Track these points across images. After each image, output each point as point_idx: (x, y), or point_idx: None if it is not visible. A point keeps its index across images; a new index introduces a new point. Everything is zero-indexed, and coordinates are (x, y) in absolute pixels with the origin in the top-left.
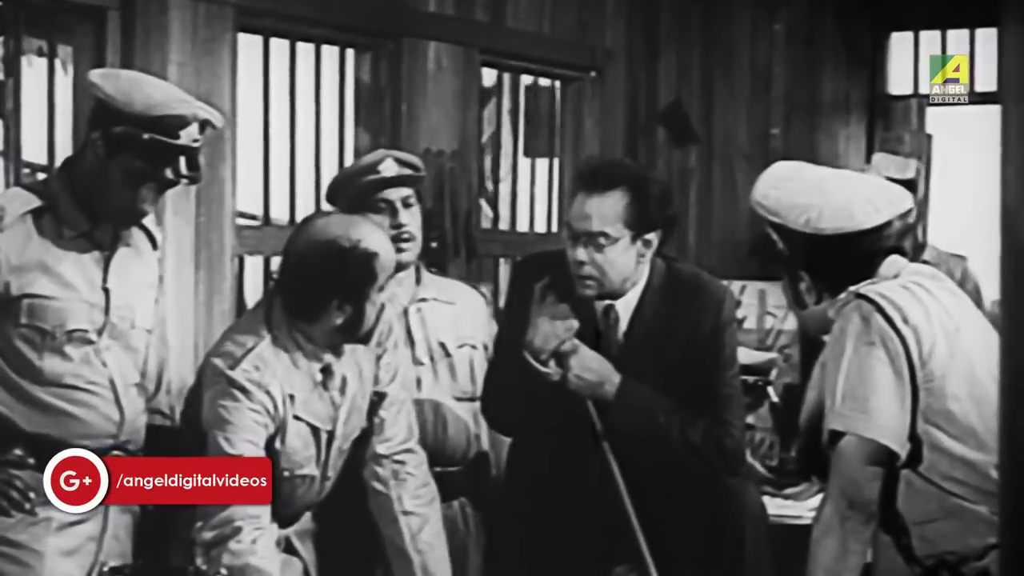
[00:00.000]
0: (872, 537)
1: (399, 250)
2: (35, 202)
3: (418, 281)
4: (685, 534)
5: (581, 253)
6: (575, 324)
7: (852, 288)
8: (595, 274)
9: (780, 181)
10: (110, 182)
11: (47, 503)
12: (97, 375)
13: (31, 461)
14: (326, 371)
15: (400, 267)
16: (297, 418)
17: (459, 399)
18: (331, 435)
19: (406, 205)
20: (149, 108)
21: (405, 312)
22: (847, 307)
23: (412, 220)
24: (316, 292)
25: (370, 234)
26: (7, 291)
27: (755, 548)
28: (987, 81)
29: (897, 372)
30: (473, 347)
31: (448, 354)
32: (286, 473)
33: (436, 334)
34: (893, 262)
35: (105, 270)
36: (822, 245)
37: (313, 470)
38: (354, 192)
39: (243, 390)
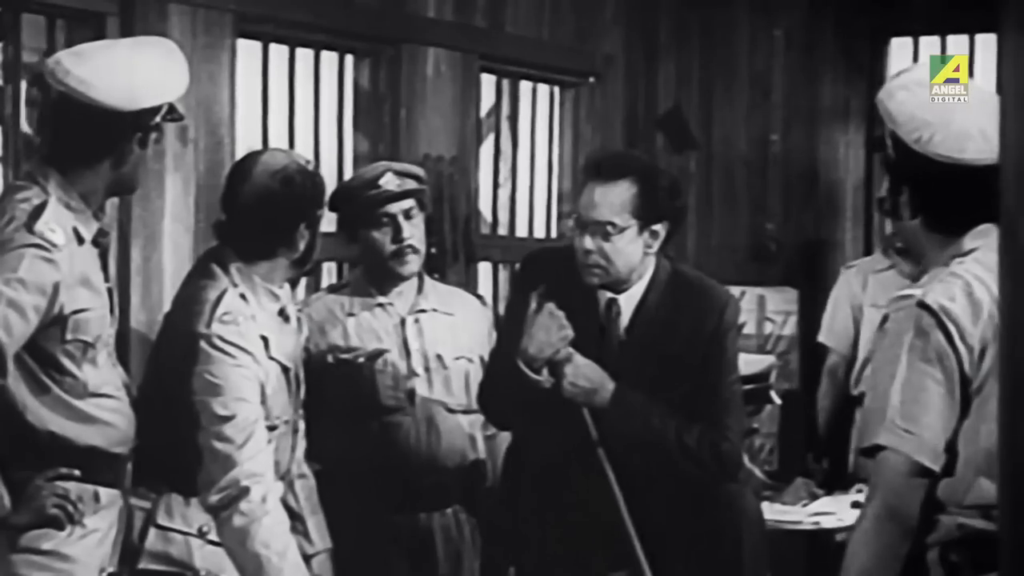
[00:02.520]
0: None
1: (402, 263)
2: (69, 215)
3: (420, 290)
4: (683, 539)
5: (588, 242)
6: (570, 333)
7: (916, 294)
8: (601, 263)
9: (913, 85)
10: (115, 167)
11: (94, 514)
12: (117, 378)
13: (77, 473)
14: (283, 312)
15: (403, 279)
16: (272, 359)
17: (453, 411)
18: (297, 376)
19: (408, 216)
20: (133, 102)
21: (403, 322)
22: (904, 312)
23: (415, 232)
24: (283, 220)
25: (304, 159)
26: (61, 311)
27: (753, 553)
28: (986, 86)
29: (950, 392)
30: (470, 360)
31: (444, 366)
32: (273, 424)
33: (433, 346)
34: (982, 232)
35: (104, 269)
36: (928, 167)
37: (290, 414)
38: (356, 206)
39: (223, 345)
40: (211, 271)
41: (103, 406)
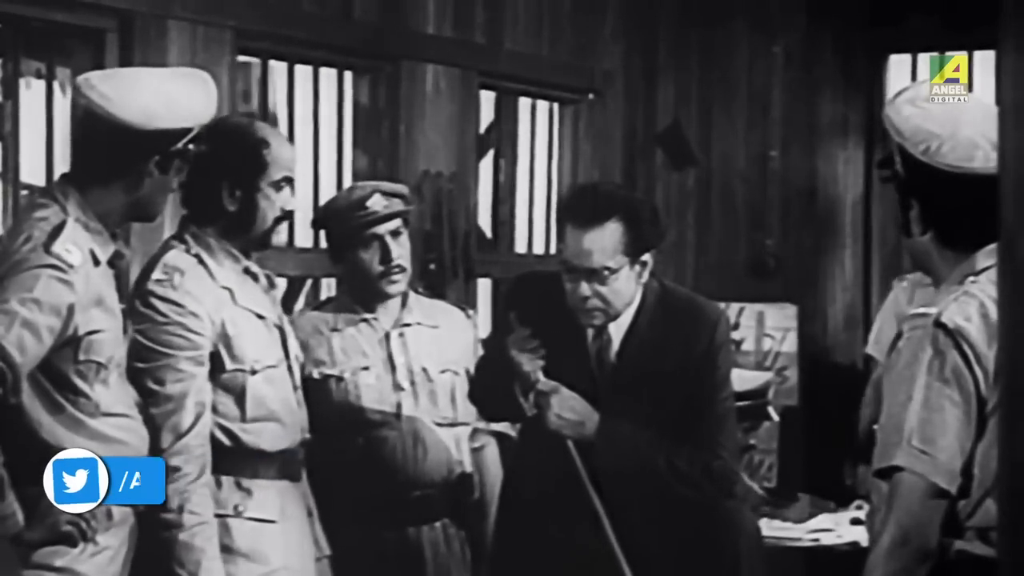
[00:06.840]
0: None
1: (390, 283)
2: (87, 235)
3: (404, 304)
4: (680, 558)
5: (585, 288)
6: (540, 361)
7: (931, 312)
8: (601, 306)
9: (920, 100)
10: (140, 191)
11: (106, 531)
12: (129, 397)
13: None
14: (248, 271)
15: (389, 297)
16: (242, 307)
17: (439, 424)
18: (281, 329)
19: (395, 235)
20: (149, 120)
21: (387, 337)
22: (920, 331)
23: (402, 251)
24: (209, 176)
25: (271, 129)
26: (75, 332)
27: (751, 570)
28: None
29: (966, 413)
30: (455, 373)
31: (430, 379)
32: (251, 368)
33: (418, 360)
34: (995, 250)
35: (118, 289)
36: (937, 178)
37: (278, 359)
38: (343, 227)
39: (154, 302)
40: (166, 244)
41: (116, 425)
